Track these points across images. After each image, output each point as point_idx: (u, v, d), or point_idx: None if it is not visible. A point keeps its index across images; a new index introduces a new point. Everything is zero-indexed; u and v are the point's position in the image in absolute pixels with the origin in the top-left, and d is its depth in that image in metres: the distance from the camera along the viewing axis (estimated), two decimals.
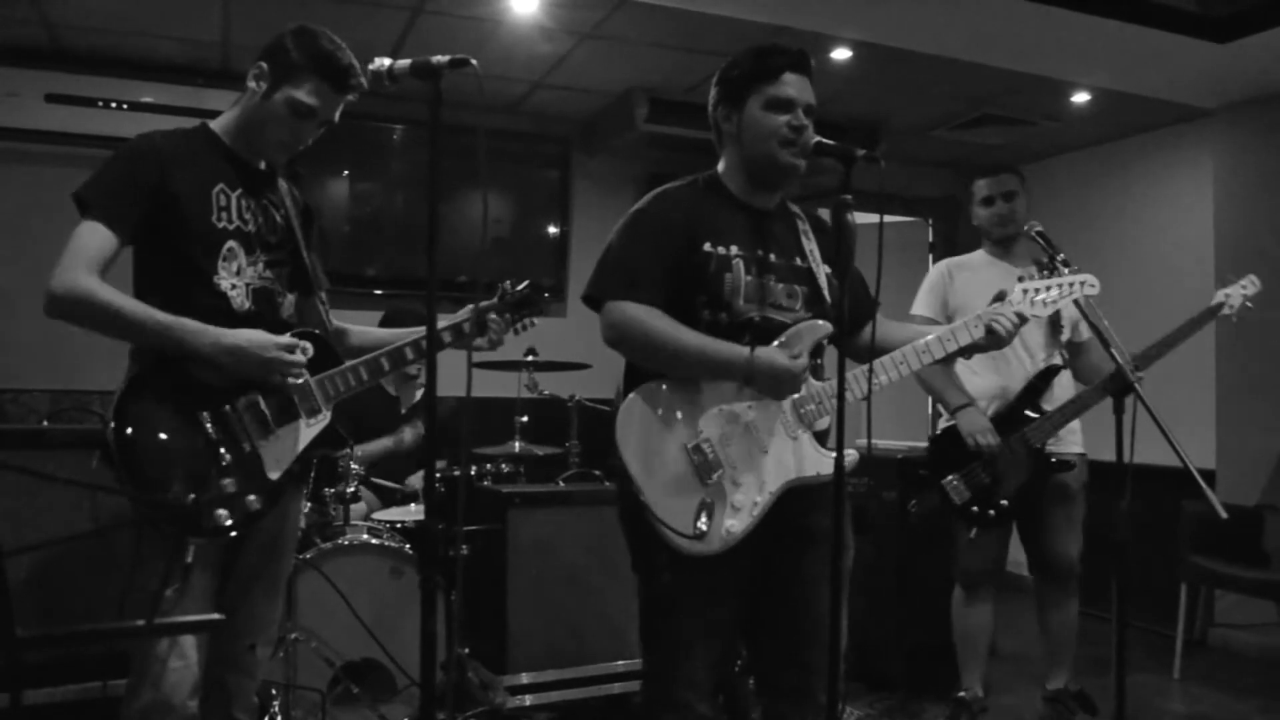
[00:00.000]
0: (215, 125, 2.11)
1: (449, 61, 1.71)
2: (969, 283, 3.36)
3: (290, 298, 2.18)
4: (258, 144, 2.11)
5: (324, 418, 2.08)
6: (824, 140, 2.04)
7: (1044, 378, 3.21)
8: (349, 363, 2.12)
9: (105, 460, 1.87)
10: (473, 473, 3.88)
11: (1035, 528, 3.33)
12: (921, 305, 3.46)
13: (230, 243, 2.03)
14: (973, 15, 3.96)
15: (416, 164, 5.23)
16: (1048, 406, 3.19)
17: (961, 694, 3.45)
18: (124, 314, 1.89)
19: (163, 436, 1.88)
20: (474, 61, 1.71)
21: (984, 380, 3.31)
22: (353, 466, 3.31)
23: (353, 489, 3.30)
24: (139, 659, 1.94)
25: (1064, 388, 3.29)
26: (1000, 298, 2.28)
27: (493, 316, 2.26)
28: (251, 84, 2.05)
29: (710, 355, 2.02)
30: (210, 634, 2.02)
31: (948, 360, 2.30)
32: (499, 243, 5.43)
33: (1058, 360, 3.28)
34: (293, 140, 2.09)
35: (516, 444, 3.93)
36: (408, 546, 3.20)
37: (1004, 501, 3.16)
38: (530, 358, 4.00)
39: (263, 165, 2.16)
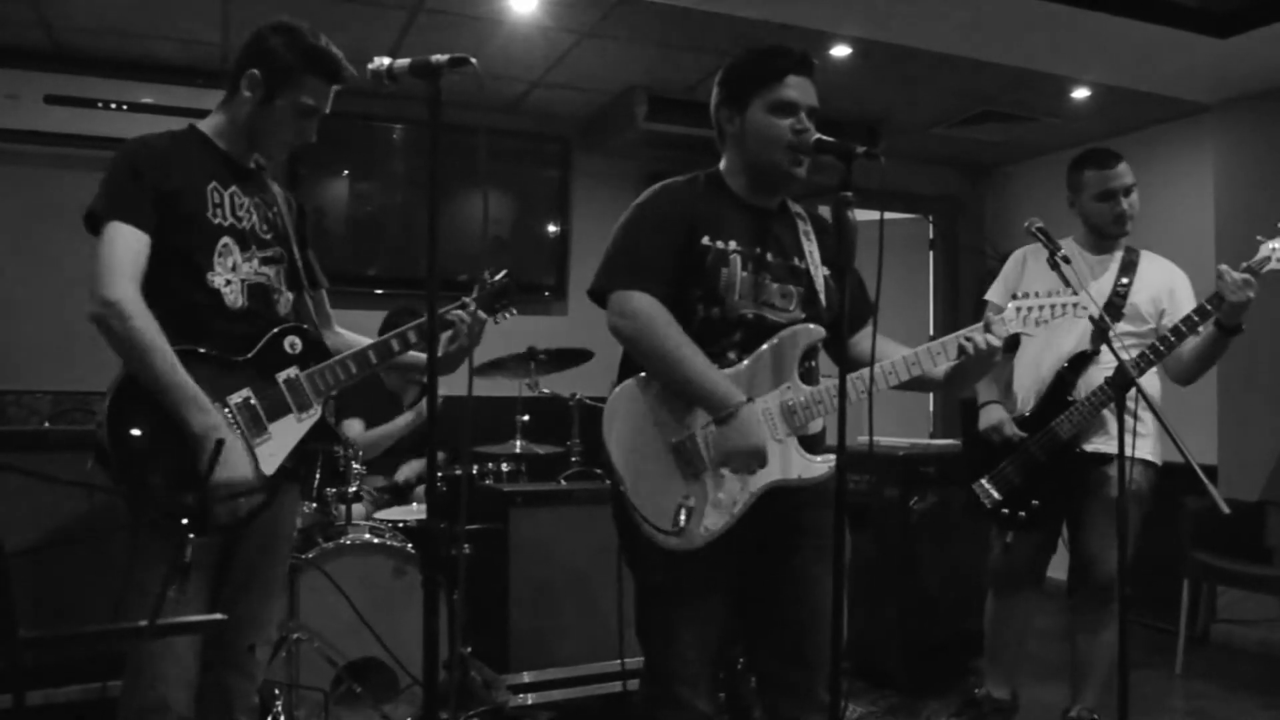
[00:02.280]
0: (204, 127, 2.11)
1: (448, 61, 1.71)
2: (1039, 271, 3.12)
3: (288, 295, 2.18)
4: (263, 146, 2.13)
5: (315, 412, 2.09)
6: (824, 137, 2.03)
7: (1072, 368, 3.06)
8: (337, 357, 2.12)
9: (99, 462, 1.87)
10: (474, 472, 3.88)
11: (1079, 536, 3.13)
12: (994, 293, 3.28)
13: (225, 239, 2.03)
14: (973, 12, 3.96)
15: (416, 164, 5.23)
16: (1082, 396, 3.02)
17: (977, 692, 3.41)
18: (142, 350, 1.86)
19: (157, 437, 1.88)
20: (473, 60, 1.71)
21: (1027, 375, 3.19)
22: (354, 466, 3.31)
23: (354, 489, 3.31)
24: (134, 660, 1.94)
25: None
26: (987, 326, 2.16)
27: (474, 310, 2.24)
28: (247, 92, 2.04)
29: (703, 385, 2.00)
30: (208, 635, 2.02)
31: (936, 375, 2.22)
32: (499, 242, 5.43)
33: (1089, 347, 3.07)
34: (297, 139, 2.12)
35: (518, 443, 3.93)
36: (410, 546, 3.20)
37: (1035, 502, 3.05)
38: (531, 357, 3.99)
39: (252, 164, 2.17)
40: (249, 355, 2.03)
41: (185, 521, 1.87)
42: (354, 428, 3.91)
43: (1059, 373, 3.09)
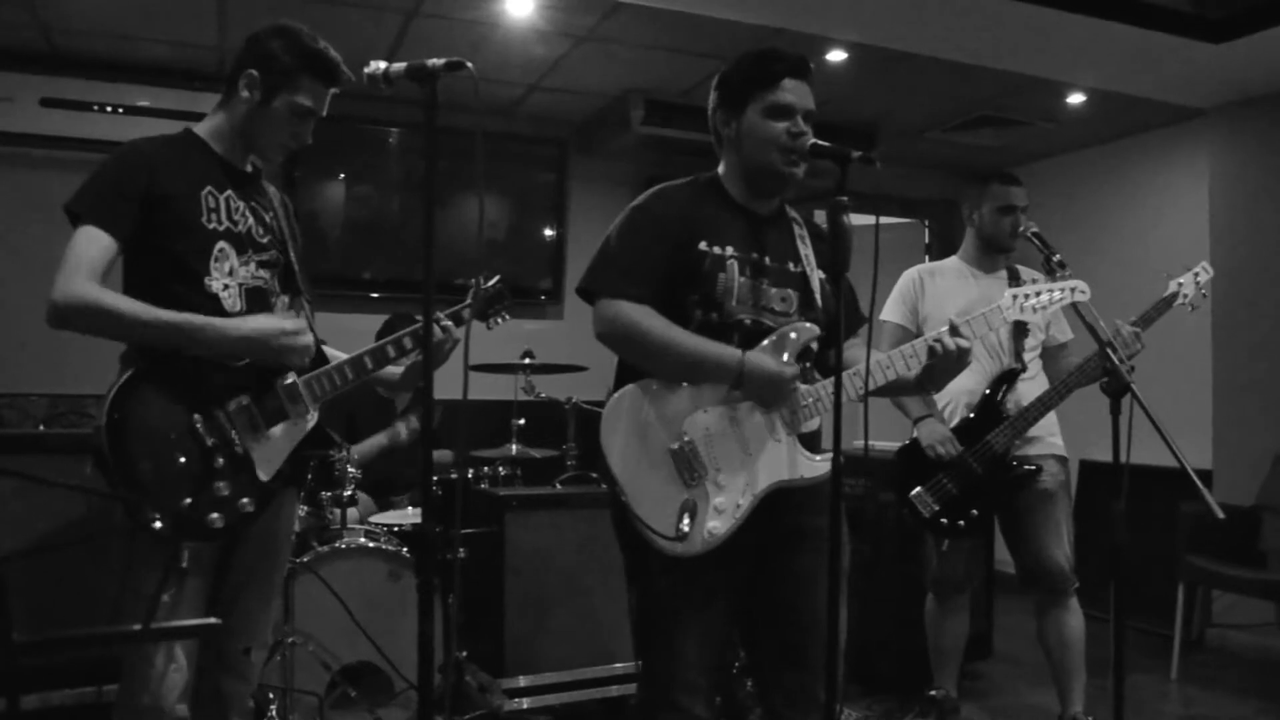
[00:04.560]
0: (200, 130, 2.11)
1: (445, 64, 1.71)
2: (941, 292, 3.31)
3: (284, 299, 2.18)
4: (259, 148, 2.13)
5: (312, 418, 2.09)
6: (820, 142, 2.04)
7: (1001, 383, 3.15)
8: (334, 363, 2.13)
9: (98, 466, 1.87)
10: (469, 475, 3.87)
11: (1018, 537, 3.23)
12: (891, 311, 3.38)
13: (221, 243, 2.03)
14: (968, 17, 3.97)
15: (413, 167, 5.23)
16: (1013, 410, 3.13)
17: (932, 692, 3.47)
18: (127, 316, 1.89)
19: (155, 441, 1.88)
20: (469, 64, 1.71)
21: (953, 383, 3.25)
22: (349, 470, 3.30)
23: (349, 492, 3.30)
24: (131, 663, 1.94)
25: (1036, 390, 3.19)
26: (954, 330, 2.16)
27: (464, 319, 2.26)
28: (244, 93, 2.05)
29: (702, 355, 2.02)
30: (204, 638, 2.02)
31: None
32: (495, 245, 5.43)
33: (1018, 365, 3.20)
34: (294, 141, 2.12)
35: (513, 447, 3.92)
36: (405, 550, 3.20)
37: (974, 512, 3.13)
38: (527, 360, 3.99)
39: (248, 168, 2.17)
40: (247, 360, 2.02)
41: (182, 526, 1.87)
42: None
43: (991, 388, 3.17)
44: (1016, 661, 4.35)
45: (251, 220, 2.11)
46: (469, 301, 2.30)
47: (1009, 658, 4.38)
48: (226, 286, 2.03)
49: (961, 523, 3.14)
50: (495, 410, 4.09)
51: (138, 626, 1.48)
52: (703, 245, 2.08)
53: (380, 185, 5.26)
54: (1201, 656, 4.66)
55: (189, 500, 1.87)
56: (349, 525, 3.31)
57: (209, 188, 2.04)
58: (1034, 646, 3.38)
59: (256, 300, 2.08)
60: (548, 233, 5.61)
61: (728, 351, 2.02)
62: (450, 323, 2.23)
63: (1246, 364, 4.81)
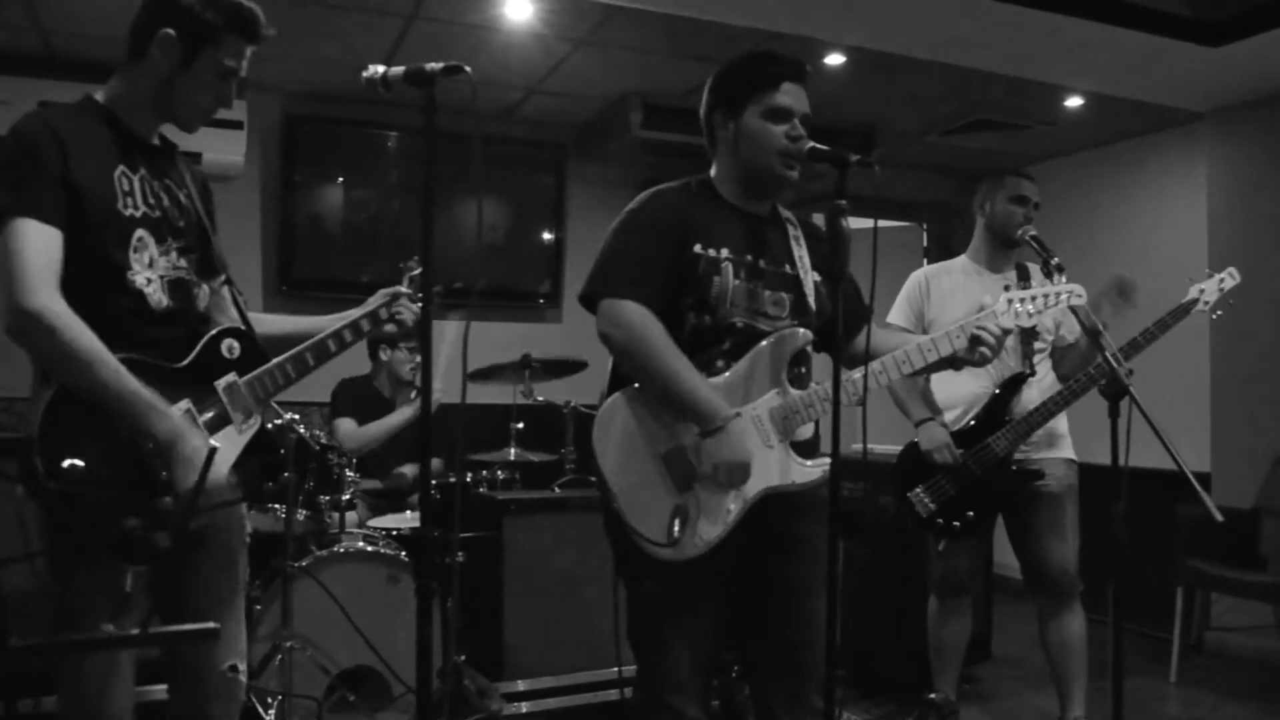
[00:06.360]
0: (104, 98, 1.88)
1: (443, 68, 1.70)
2: (947, 293, 3.32)
3: (205, 287, 1.98)
4: (178, 117, 1.92)
5: (255, 421, 1.93)
6: (818, 146, 2.04)
7: (1009, 387, 3.14)
8: (275, 361, 1.96)
9: (24, 480, 1.69)
10: (468, 480, 3.87)
11: (1022, 540, 3.24)
12: (897, 314, 3.40)
13: (140, 231, 1.82)
14: (965, 20, 3.97)
15: (411, 170, 5.23)
16: (1018, 414, 3.12)
17: (932, 695, 3.47)
18: (81, 358, 1.69)
19: (90, 454, 1.70)
20: (468, 68, 1.71)
21: (959, 389, 3.23)
22: (348, 474, 3.30)
23: (348, 496, 3.30)
24: (71, 680, 1.80)
25: (1044, 394, 3.17)
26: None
27: (405, 302, 2.18)
28: (157, 53, 1.82)
29: (691, 398, 2.00)
30: (178, 661, 1.93)
31: (926, 372, 2.27)
32: (494, 248, 5.42)
33: (1024, 369, 3.19)
34: (216, 105, 1.92)
35: (512, 451, 3.92)
36: (403, 554, 3.20)
37: (970, 513, 3.13)
38: (526, 363, 3.98)
39: (157, 141, 1.96)
40: (185, 362, 1.86)
41: (127, 549, 1.71)
42: (345, 425, 3.89)
43: (994, 393, 3.16)
44: (1016, 664, 4.35)
45: (167, 201, 1.91)
46: (405, 287, 2.20)
47: (1008, 661, 4.38)
48: (150, 280, 1.83)
49: (957, 524, 3.15)
50: (494, 414, 4.09)
51: (134, 631, 1.47)
52: (697, 248, 2.08)
53: (379, 189, 5.25)
54: (1201, 659, 4.66)
55: (134, 523, 1.68)
56: (347, 529, 3.31)
57: (121, 168, 1.82)
58: (1033, 649, 3.38)
59: (180, 293, 1.90)
60: (546, 236, 5.60)
61: (718, 406, 2.00)
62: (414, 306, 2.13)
63: (1245, 366, 4.81)
